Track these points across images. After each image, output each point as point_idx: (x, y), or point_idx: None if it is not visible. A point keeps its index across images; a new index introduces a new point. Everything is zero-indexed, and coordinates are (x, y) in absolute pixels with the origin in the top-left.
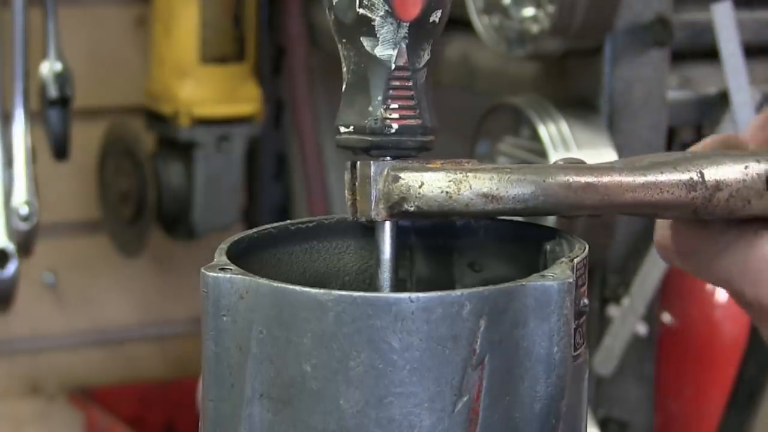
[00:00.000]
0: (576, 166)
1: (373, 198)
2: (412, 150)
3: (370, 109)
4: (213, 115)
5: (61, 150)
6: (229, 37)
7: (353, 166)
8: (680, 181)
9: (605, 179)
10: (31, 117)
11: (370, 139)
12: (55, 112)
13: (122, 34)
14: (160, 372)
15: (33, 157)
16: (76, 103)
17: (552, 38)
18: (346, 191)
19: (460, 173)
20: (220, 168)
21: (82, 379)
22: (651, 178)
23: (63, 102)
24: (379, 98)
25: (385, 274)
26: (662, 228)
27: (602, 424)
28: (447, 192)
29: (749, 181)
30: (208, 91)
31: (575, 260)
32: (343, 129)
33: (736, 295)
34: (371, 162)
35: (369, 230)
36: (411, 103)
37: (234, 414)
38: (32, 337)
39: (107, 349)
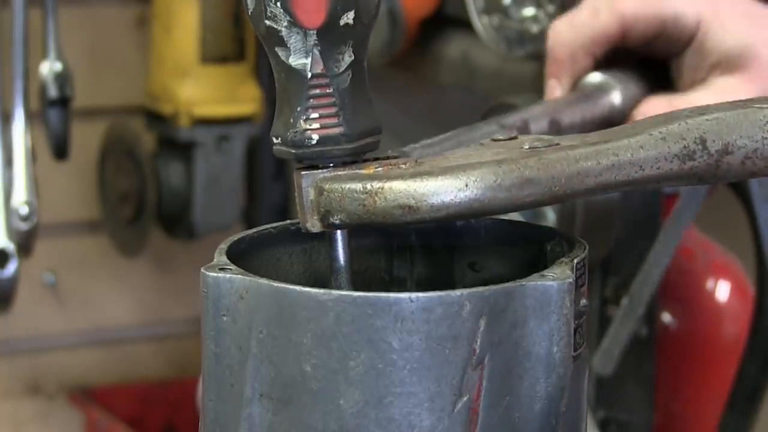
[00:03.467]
0: (522, 155)
1: (306, 209)
2: (340, 158)
3: (292, 120)
4: (213, 115)
5: (61, 150)
6: (229, 37)
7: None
8: (669, 153)
9: (554, 169)
10: (31, 117)
11: (293, 151)
12: (55, 112)
13: (122, 34)
14: (160, 372)
15: (33, 157)
16: (76, 103)
17: None
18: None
19: (377, 183)
20: (220, 168)
21: (82, 379)
22: (624, 155)
23: (63, 102)
24: (299, 108)
25: (342, 287)
26: None
27: (602, 424)
28: (363, 205)
29: None
30: (208, 91)
31: (575, 260)
32: (274, 140)
33: None
34: (303, 173)
35: (368, 230)
36: (332, 110)
37: (234, 414)
38: (32, 337)
39: (107, 349)
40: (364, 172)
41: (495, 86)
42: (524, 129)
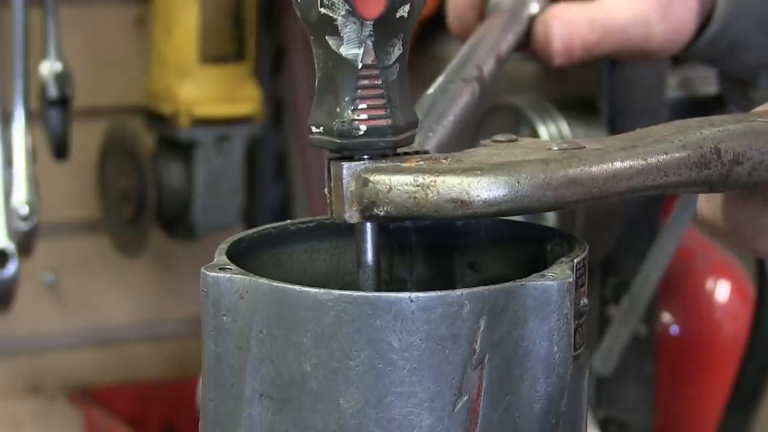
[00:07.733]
0: (562, 156)
1: (346, 200)
2: (385, 150)
3: (338, 110)
4: (213, 115)
5: (61, 150)
6: (229, 37)
7: (329, 165)
8: (689, 160)
9: (594, 170)
10: (31, 117)
11: (338, 141)
12: (55, 112)
13: (122, 34)
14: (160, 372)
15: (33, 157)
16: (76, 102)
17: None
18: (325, 191)
19: (428, 176)
20: (220, 168)
21: (82, 379)
22: (652, 160)
23: (63, 102)
24: (347, 98)
25: (369, 281)
26: (703, 200)
27: (602, 424)
28: (414, 197)
29: None
30: (208, 91)
31: (575, 260)
32: (314, 129)
33: None
34: (343, 163)
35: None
36: (380, 102)
37: (234, 414)
38: (32, 337)
39: (107, 349)
40: (407, 165)
41: (495, 86)
42: (481, 76)
